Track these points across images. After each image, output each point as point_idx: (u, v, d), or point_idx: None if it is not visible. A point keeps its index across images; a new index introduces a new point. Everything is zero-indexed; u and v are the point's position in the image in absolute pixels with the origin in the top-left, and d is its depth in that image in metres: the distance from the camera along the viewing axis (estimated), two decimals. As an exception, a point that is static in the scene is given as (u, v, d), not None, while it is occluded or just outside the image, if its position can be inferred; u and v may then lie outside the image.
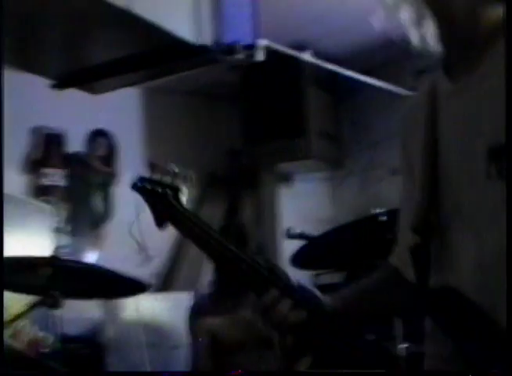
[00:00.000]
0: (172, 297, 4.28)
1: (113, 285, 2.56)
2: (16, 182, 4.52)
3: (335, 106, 5.46)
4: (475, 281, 1.18)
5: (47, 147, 4.82)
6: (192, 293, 4.22)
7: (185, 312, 3.34)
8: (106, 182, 5.02)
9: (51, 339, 3.55)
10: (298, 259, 2.75)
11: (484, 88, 1.16)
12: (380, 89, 4.29)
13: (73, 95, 3.58)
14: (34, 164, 4.79)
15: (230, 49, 2.94)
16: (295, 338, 1.35)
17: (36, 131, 4.78)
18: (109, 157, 5.04)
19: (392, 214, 2.52)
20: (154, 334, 4.05)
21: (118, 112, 5.02)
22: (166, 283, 5.13)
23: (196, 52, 2.95)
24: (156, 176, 1.45)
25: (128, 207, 4.97)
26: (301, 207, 5.40)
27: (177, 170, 1.44)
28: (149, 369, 3.84)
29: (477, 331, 1.16)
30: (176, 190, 1.42)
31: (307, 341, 1.36)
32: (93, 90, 3.46)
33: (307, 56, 3.72)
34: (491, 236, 1.16)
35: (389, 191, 4.88)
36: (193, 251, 5.18)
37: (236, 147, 5.35)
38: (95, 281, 2.51)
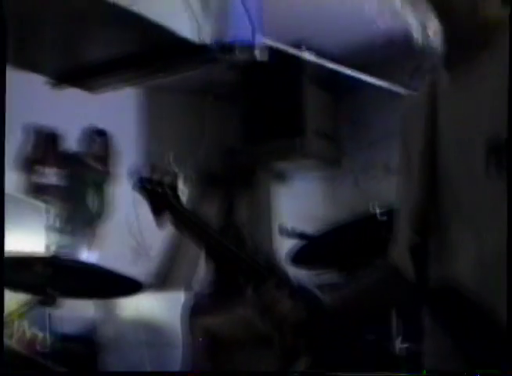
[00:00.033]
0: (170, 296, 4.27)
1: (110, 285, 2.56)
2: (12, 180, 4.51)
3: (333, 105, 5.46)
4: (475, 280, 1.18)
5: (43, 146, 4.80)
6: (190, 292, 4.21)
7: (183, 311, 3.34)
8: (102, 181, 5.00)
9: (48, 338, 3.55)
10: (297, 258, 2.75)
11: (484, 88, 1.16)
12: (378, 88, 4.29)
13: (71, 93, 3.57)
14: (31, 163, 4.77)
15: (230, 48, 2.94)
16: (295, 336, 1.35)
17: (32, 130, 4.76)
18: (107, 157, 5.02)
19: (391, 213, 2.51)
20: (152, 333, 4.04)
21: (116, 111, 5.00)
22: (164, 282, 5.12)
23: (196, 51, 2.94)
24: (156, 176, 1.46)
25: (124, 206, 4.97)
26: (298, 206, 5.40)
27: (177, 170, 1.45)
28: (148, 368, 3.83)
29: (477, 329, 1.16)
30: (176, 190, 1.43)
31: (306, 340, 1.36)
32: (91, 89, 3.45)
33: (306, 55, 3.71)
34: (491, 234, 1.16)
35: (387, 190, 4.87)
36: (191, 250, 5.18)
37: (234, 146, 5.35)
38: (93, 280, 2.50)
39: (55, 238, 4.33)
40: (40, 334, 3.37)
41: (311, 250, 2.81)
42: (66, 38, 3.10)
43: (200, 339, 2.93)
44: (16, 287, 2.43)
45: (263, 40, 3.00)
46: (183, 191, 1.44)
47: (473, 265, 1.18)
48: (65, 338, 4.03)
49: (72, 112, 4.64)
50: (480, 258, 1.17)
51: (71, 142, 4.87)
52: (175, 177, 1.45)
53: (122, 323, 4.02)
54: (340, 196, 5.58)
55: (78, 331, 4.25)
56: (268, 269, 1.35)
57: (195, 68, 3.21)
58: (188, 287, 4.48)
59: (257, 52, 2.97)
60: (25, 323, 3.29)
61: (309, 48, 3.72)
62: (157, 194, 1.45)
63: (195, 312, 3.20)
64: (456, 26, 1.20)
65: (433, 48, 1.23)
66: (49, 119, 4.68)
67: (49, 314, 3.67)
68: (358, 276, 1.46)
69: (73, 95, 3.64)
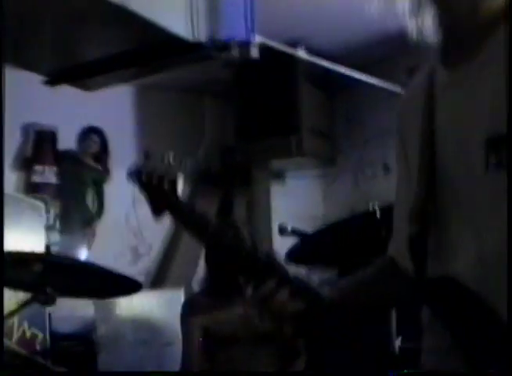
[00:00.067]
0: (165, 294, 4.27)
1: (109, 284, 2.55)
2: (8, 179, 4.50)
3: (328, 104, 5.47)
4: (474, 274, 1.17)
5: (39, 144, 4.80)
6: (184, 290, 4.22)
7: (178, 309, 3.34)
8: (98, 179, 5.00)
9: (43, 337, 3.55)
10: (293, 255, 2.75)
11: (483, 76, 1.15)
12: (373, 86, 4.30)
13: (66, 92, 3.56)
14: (26, 161, 4.77)
15: (225, 46, 2.94)
16: (295, 334, 1.35)
17: (28, 129, 4.76)
18: (102, 155, 5.02)
19: (387, 210, 2.52)
20: (147, 331, 4.04)
21: (111, 109, 5.00)
22: (158, 280, 5.13)
23: (190, 49, 2.94)
24: (152, 165, 1.42)
25: (123, 205, 4.94)
26: (293, 204, 5.41)
27: (172, 159, 1.42)
28: (147, 367, 3.83)
29: (477, 322, 1.16)
30: (172, 179, 1.40)
31: (306, 337, 1.36)
32: (86, 87, 3.44)
33: (300, 53, 3.71)
34: (490, 228, 1.15)
35: (381, 188, 4.90)
36: (186, 247, 5.18)
37: (229, 144, 5.35)
38: (92, 280, 2.50)
39: (54, 237, 4.34)
40: (40, 334, 3.38)
41: (308, 248, 2.81)
42: (62, 37, 3.09)
43: (200, 339, 2.92)
44: (15, 285, 2.42)
45: (258, 38, 3.00)
46: (179, 180, 1.41)
47: (472, 257, 1.18)
48: (64, 338, 4.05)
49: (69, 111, 4.64)
50: (479, 251, 1.17)
51: (69, 141, 4.87)
52: (170, 166, 1.42)
53: (121, 323, 4.02)
54: (334, 194, 5.59)
55: (77, 331, 4.26)
56: (269, 267, 1.34)
57: (190, 66, 3.21)
58: (187, 286, 4.48)
59: (252, 51, 2.96)
60: (20, 322, 3.29)
61: (305, 47, 3.72)
62: (153, 183, 1.40)
63: (189, 309, 3.19)
64: (456, 23, 1.20)
65: (431, 45, 1.23)
66: (47, 118, 4.68)
67: (49, 314, 3.68)
68: (356, 273, 1.45)
69: (69, 94, 3.64)
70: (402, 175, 1.38)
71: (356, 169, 5.47)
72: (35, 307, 2.60)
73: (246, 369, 2.82)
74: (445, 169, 1.23)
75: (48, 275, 2.28)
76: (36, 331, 3.42)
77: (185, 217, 1.37)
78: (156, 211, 1.40)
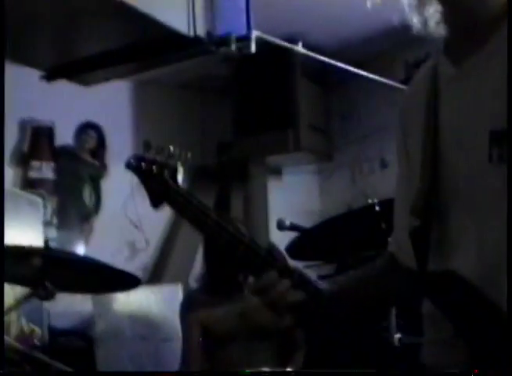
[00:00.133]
0: (163, 289, 4.27)
1: (107, 279, 2.55)
2: (5, 174, 4.49)
3: (325, 99, 5.47)
4: (476, 268, 1.18)
5: (36, 140, 4.78)
6: (182, 285, 4.22)
7: (175, 304, 3.34)
8: (95, 175, 4.99)
9: (42, 332, 3.55)
10: (291, 251, 2.75)
11: (491, 66, 1.15)
12: (371, 81, 4.29)
13: (63, 87, 3.56)
14: (23, 157, 4.75)
15: (223, 41, 2.94)
16: (293, 319, 1.34)
17: (25, 124, 4.74)
18: (99, 150, 5.01)
19: (385, 205, 2.52)
20: (145, 326, 4.04)
21: (108, 105, 4.99)
22: (156, 275, 5.12)
23: (189, 44, 2.94)
24: (151, 155, 1.40)
25: (117, 200, 4.92)
26: (290, 199, 5.41)
27: (172, 149, 1.40)
28: (146, 363, 3.83)
29: (478, 315, 1.16)
30: (172, 169, 1.37)
31: (304, 323, 1.36)
32: (84, 82, 3.44)
33: (298, 48, 3.70)
34: (491, 221, 1.16)
35: (379, 184, 4.90)
36: (184, 243, 5.18)
37: (226, 140, 5.35)
38: (90, 275, 2.50)
39: (51, 233, 4.33)
40: (38, 329, 3.38)
41: (307, 243, 2.82)
42: (60, 32, 3.09)
43: (200, 339, 2.92)
44: (14, 280, 2.42)
45: (256, 33, 2.99)
46: (179, 170, 1.38)
47: (473, 251, 1.18)
48: (62, 333, 4.05)
49: (66, 106, 4.63)
50: (480, 245, 1.17)
51: (66, 136, 4.86)
52: (170, 156, 1.39)
53: (119, 318, 4.01)
54: (331, 189, 5.60)
55: (75, 326, 4.26)
56: (267, 250, 1.33)
57: (188, 61, 3.20)
58: (185, 282, 4.48)
59: (250, 46, 2.96)
60: (18, 317, 3.29)
61: (303, 42, 3.71)
62: (153, 173, 1.37)
63: (187, 304, 3.20)
64: (465, 16, 1.19)
65: (436, 39, 1.23)
66: (44, 113, 4.67)
67: (47, 309, 3.68)
68: (349, 268, 1.46)
69: (66, 89, 3.63)
70: (402, 171, 1.38)
71: (353, 164, 5.47)
72: (33, 303, 2.60)
73: (246, 364, 2.82)
74: (447, 162, 1.23)
75: (48, 269, 2.28)
76: (34, 327, 3.41)
77: (185, 207, 1.35)
78: (156, 201, 1.37)
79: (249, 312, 2.85)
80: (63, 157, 4.86)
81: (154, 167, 1.37)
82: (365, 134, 5.32)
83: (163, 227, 5.21)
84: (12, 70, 3.50)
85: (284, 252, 2.69)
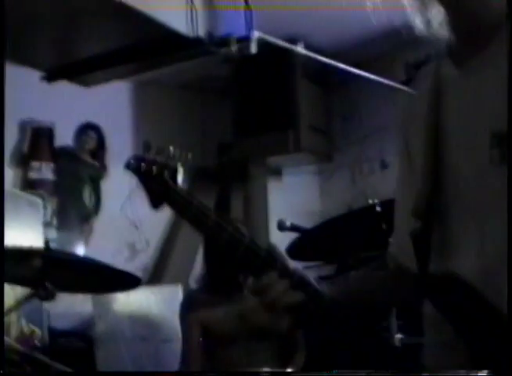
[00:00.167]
0: (163, 290, 4.27)
1: (107, 279, 2.55)
2: (5, 175, 4.49)
3: (325, 99, 5.47)
4: (476, 268, 1.18)
5: (36, 140, 4.79)
6: (182, 286, 4.21)
7: (175, 305, 3.34)
8: (95, 175, 5.00)
9: (42, 333, 3.55)
10: (292, 251, 2.75)
11: (493, 68, 1.15)
12: (371, 82, 4.30)
13: (63, 88, 3.56)
14: (23, 158, 4.75)
15: (223, 42, 2.94)
16: (292, 319, 1.34)
17: (25, 125, 4.74)
18: (99, 151, 5.02)
19: (386, 205, 2.52)
20: (145, 327, 4.04)
21: (108, 105, 4.99)
22: (156, 276, 5.13)
23: (189, 45, 2.95)
24: (152, 155, 1.38)
25: (117, 201, 4.90)
26: (290, 200, 5.41)
27: (172, 149, 1.39)
28: (146, 363, 3.83)
29: (479, 317, 1.16)
30: (172, 169, 1.36)
31: (303, 324, 1.35)
32: (84, 82, 3.45)
33: (298, 49, 3.71)
34: (492, 222, 1.16)
35: (379, 184, 4.90)
36: (183, 243, 5.18)
37: (226, 140, 5.35)
38: (90, 275, 2.49)
39: (51, 234, 4.33)
40: (38, 330, 3.37)
41: (307, 243, 2.82)
42: (60, 33, 3.10)
43: (200, 339, 2.92)
44: (15, 281, 2.42)
45: (257, 34, 3.00)
46: (179, 171, 1.38)
47: (474, 252, 1.18)
48: (62, 334, 4.04)
49: (66, 107, 4.63)
50: (481, 246, 1.17)
51: (66, 137, 4.86)
52: (170, 156, 1.39)
53: (119, 319, 4.01)
54: (332, 190, 5.60)
55: (75, 327, 4.25)
56: (268, 261, 1.33)
57: (189, 61, 3.21)
58: (185, 282, 4.48)
59: (251, 46, 2.97)
60: (19, 317, 3.29)
61: (303, 43, 3.72)
62: (153, 174, 1.35)
63: (187, 305, 3.19)
64: (469, 19, 1.19)
65: (438, 40, 1.23)
66: (44, 114, 4.66)
67: (47, 310, 3.68)
68: (349, 269, 1.45)
69: (66, 90, 3.64)
70: (404, 172, 1.38)
71: (353, 165, 5.47)
72: (33, 304, 2.60)
73: (246, 365, 2.82)
74: (450, 165, 1.23)
75: (48, 270, 2.28)
76: (34, 328, 3.41)
77: (185, 208, 1.34)
78: (155, 202, 1.36)
79: (248, 313, 2.85)
80: (62, 157, 4.86)
81: (154, 167, 1.35)
82: (366, 135, 5.33)
83: (163, 228, 5.22)
84: (12, 71, 3.50)
85: (284, 253, 2.69)
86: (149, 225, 4.89)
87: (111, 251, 4.52)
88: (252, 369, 2.75)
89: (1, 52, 2.59)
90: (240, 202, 5.46)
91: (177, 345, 3.28)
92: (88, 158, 4.97)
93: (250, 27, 2.96)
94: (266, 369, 2.70)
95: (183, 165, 1.37)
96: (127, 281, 2.62)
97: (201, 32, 2.91)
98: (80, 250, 4.72)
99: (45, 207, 4.20)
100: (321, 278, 1.41)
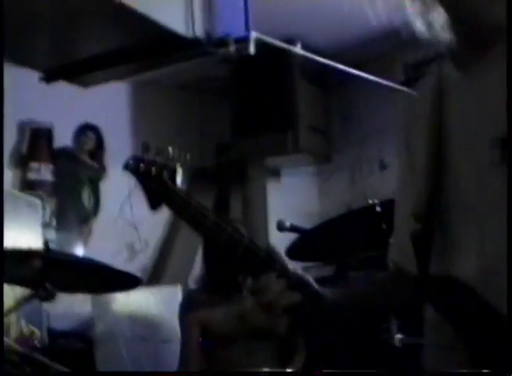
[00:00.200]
0: (162, 290, 4.27)
1: (107, 279, 2.55)
2: (4, 176, 4.49)
3: (324, 100, 5.47)
4: (476, 269, 1.18)
5: (35, 141, 4.79)
6: (182, 286, 4.22)
7: (175, 305, 3.34)
8: (94, 176, 4.99)
9: (41, 334, 3.55)
10: (291, 252, 2.75)
11: (495, 71, 1.15)
12: (370, 83, 4.30)
13: (62, 89, 3.56)
14: (22, 158, 4.75)
15: (222, 42, 2.94)
16: (293, 329, 1.34)
17: (24, 125, 4.74)
18: (98, 152, 5.02)
19: (385, 206, 2.52)
20: (144, 328, 4.04)
21: (107, 106, 4.99)
22: (155, 276, 5.13)
23: (187, 45, 2.94)
24: (150, 156, 1.37)
25: (116, 202, 4.90)
26: (289, 201, 5.41)
27: (170, 150, 1.39)
28: (145, 364, 3.83)
29: (478, 318, 1.16)
30: (171, 170, 1.35)
31: (301, 325, 1.34)
32: (83, 83, 3.44)
33: (297, 50, 3.71)
34: (493, 225, 1.16)
35: (378, 185, 4.91)
36: (182, 244, 5.18)
37: (224, 141, 5.35)
38: (89, 275, 2.50)
39: (50, 235, 4.33)
40: (37, 331, 3.37)
41: (307, 244, 2.82)
42: (59, 33, 3.09)
43: (200, 340, 2.92)
44: (15, 282, 2.42)
45: (255, 35, 3.00)
46: (178, 171, 1.38)
47: (475, 255, 1.18)
48: (62, 335, 4.04)
49: (65, 108, 4.63)
50: (482, 248, 1.17)
51: (65, 138, 4.86)
52: (169, 157, 1.38)
53: (118, 320, 4.01)
54: (330, 191, 5.60)
55: (75, 328, 4.25)
56: (267, 262, 1.32)
57: (187, 62, 3.20)
58: (184, 283, 4.48)
59: (249, 47, 2.96)
60: (18, 318, 3.29)
61: (301, 43, 3.72)
62: (152, 174, 1.35)
63: (186, 305, 3.19)
64: (467, 22, 1.19)
65: (440, 42, 1.22)
66: (43, 115, 4.67)
67: (47, 311, 3.68)
68: (349, 270, 1.45)
69: (65, 90, 3.63)
70: (404, 173, 1.38)
71: (352, 166, 5.48)
72: (33, 304, 2.60)
73: (246, 365, 2.82)
74: (451, 166, 1.23)
75: (47, 271, 2.28)
76: (34, 329, 3.41)
77: (184, 209, 1.34)
78: (154, 203, 1.36)
79: (248, 313, 2.85)
80: (61, 158, 4.86)
81: (153, 168, 1.35)
82: (365, 135, 5.33)
83: (162, 228, 5.22)
84: (11, 72, 3.50)
85: (283, 253, 2.69)
86: (148, 226, 4.89)
87: (110, 252, 4.51)
88: (252, 369, 2.75)
89: (0, 52, 2.59)
90: (239, 203, 5.46)
91: (176, 346, 3.28)
92: (86, 159, 4.97)
93: (248, 27, 2.96)
94: (266, 369, 2.70)
95: (182, 166, 1.37)
96: (126, 281, 2.63)
97: (199, 33, 2.91)
98: (79, 251, 4.72)
99: (43, 208, 4.20)
100: (319, 279, 1.41)
